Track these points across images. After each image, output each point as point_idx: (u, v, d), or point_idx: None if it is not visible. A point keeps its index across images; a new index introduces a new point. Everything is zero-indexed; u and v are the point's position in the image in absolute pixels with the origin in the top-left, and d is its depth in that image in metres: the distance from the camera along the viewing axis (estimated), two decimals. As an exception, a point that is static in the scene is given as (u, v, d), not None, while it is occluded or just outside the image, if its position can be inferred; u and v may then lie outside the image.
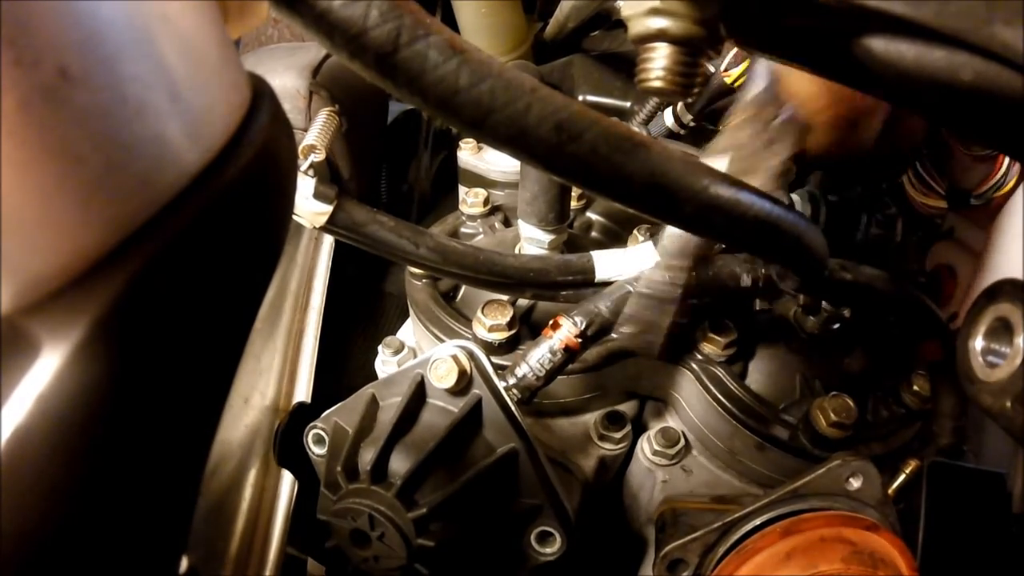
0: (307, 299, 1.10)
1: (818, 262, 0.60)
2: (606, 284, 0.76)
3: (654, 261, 0.75)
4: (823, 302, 0.81)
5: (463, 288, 0.94)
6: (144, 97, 0.25)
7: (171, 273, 0.26)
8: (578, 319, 0.69)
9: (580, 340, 0.69)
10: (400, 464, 0.67)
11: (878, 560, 0.65)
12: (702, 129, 1.20)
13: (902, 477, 0.78)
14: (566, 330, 0.69)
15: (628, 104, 1.30)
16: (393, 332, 1.03)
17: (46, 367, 0.23)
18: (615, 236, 1.03)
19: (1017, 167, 0.99)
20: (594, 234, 1.06)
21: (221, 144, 0.29)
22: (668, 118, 1.17)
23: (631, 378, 0.86)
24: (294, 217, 0.69)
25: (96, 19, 0.23)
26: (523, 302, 0.86)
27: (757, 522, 0.69)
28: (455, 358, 0.67)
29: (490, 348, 0.80)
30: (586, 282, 0.78)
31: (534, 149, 0.39)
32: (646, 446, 0.84)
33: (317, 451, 0.78)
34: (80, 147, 0.23)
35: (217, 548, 0.90)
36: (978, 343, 0.46)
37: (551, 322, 0.71)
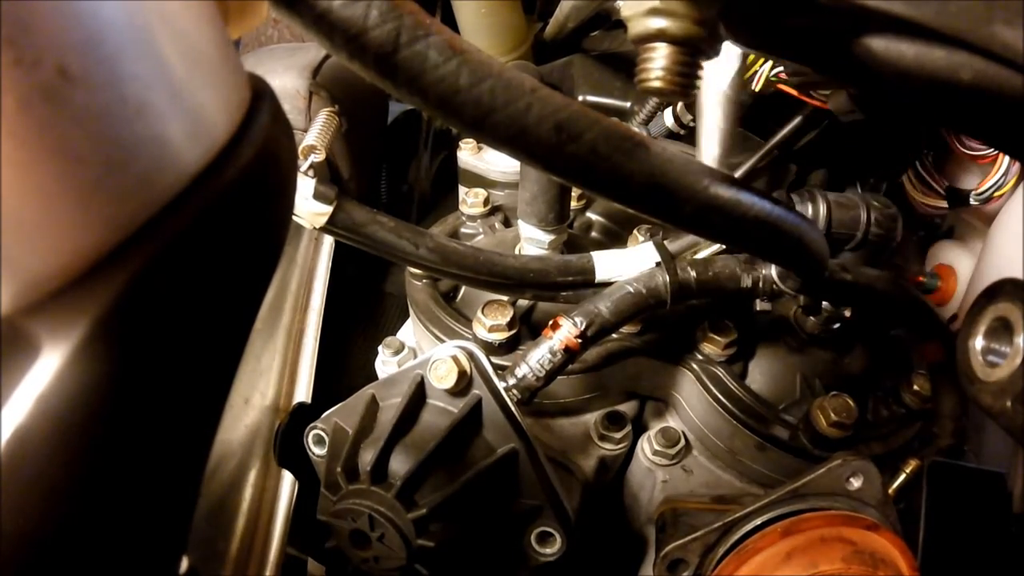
0: (307, 299, 1.10)
1: (818, 262, 0.60)
2: (606, 284, 0.76)
3: (654, 261, 0.75)
4: (823, 302, 0.81)
5: (463, 288, 0.94)
6: (144, 97, 0.25)
7: (171, 273, 0.26)
8: (578, 319, 0.69)
9: (580, 340, 0.69)
10: (400, 465, 0.67)
11: (878, 560, 0.65)
12: (702, 129, 1.20)
13: (902, 477, 0.78)
14: (566, 330, 0.69)
15: (628, 104, 1.30)
16: (393, 332, 1.03)
17: (46, 367, 0.23)
18: (615, 236, 1.03)
19: (1017, 166, 0.99)
20: (594, 234, 1.06)
21: (221, 144, 0.29)
22: (668, 118, 1.17)
23: (631, 378, 0.86)
24: (294, 218, 0.69)
25: (96, 19, 0.23)
26: (523, 302, 0.86)
27: (757, 522, 0.69)
28: (455, 358, 0.67)
29: (490, 348, 0.80)
30: (586, 282, 0.78)
31: (534, 149, 0.39)
32: (646, 446, 0.84)
33: (317, 451, 0.78)
34: (80, 147, 0.23)
35: (217, 548, 0.90)
36: (978, 343, 0.46)
37: (551, 322, 0.71)
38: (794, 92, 1.03)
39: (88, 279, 0.24)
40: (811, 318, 0.83)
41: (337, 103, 1.11)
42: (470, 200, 1.04)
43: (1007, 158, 0.98)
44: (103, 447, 0.25)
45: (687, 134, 1.18)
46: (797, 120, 1.14)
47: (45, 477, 0.23)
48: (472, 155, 1.13)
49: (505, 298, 0.83)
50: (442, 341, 0.84)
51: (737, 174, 1.16)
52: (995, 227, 1.05)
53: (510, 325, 0.80)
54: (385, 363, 0.97)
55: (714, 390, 0.79)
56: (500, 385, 0.68)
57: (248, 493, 0.95)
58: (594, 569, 0.86)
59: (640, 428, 0.88)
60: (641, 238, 0.93)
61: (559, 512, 0.68)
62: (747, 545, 0.68)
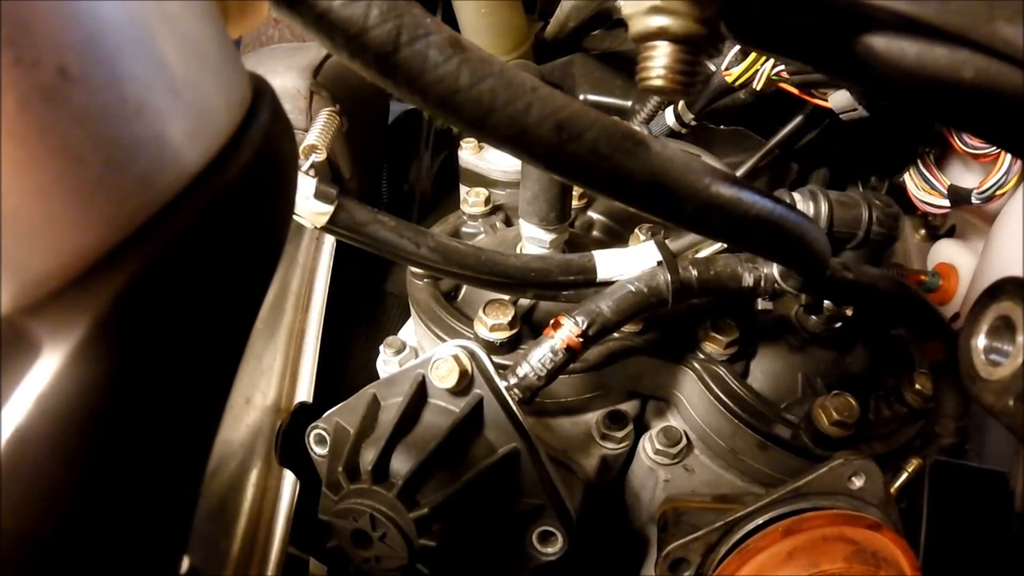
0: (308, 299, 1.10)
1: (820, 262, 0.60)
2: (607, 284, 0.76)
3: (655, 260, 0.75)
4: (825, 301, 0.81)
5: (464, 288, 0.94)
6: (144, 97, 0.25)
7: (171, 273, 0.26)
8: (579, 318, 0.69)
9: (581, 340, 0.69)
10: (401, 464, 0.67)
11: (880, 559, 0.65)
12: (703, 128, 1.20)
13: (904, 476, 0.78)
14: (567, 329, 0.69)
15: (629, 103, 1.30)
16: (394, 332, 1.03)
17: (46, 367, 0.23)
18: (616, 235, 1.03)
19: (1018, 165, 0.99)
20: (595, 233, 1.05)
21: (221, 144, 0.29)
22: (669, 117, 1.17)
23: (633, 377, 0.86)
24: (295, 217, 0.69)
25: (96, 19, 0.23)
26: (524, 302, 0.86)
27: (759, 521, 0.69)
28: (456, 358, 0.67)
29: (491, 348, 0.80)
30: (587, 282, 0.78)
31: (535, 148, 0.39)
32: (648, 445, 0.83)
33: (319, 451, 0.78)
34: (80, 147, 0.23)
35: (219, 548, 0.90)
36: (980, 342, 0.46)
37: (552, 321, 0.70)
38: (795, 91, 1.03)
39: (88, 279, 0.24)
40: (813, 317, 0.83)
41: (338, 103, 1.11)
42: (471, 199, 1.04)
43: (1009, 156, 0.98)
44: (103, 447, 0.25)
45: (688, 133, 1.18)
46: (798, 119, 1.15)
47: (45, 477, 0.23)
48: (473, 154, 1.13)
49: (506, 297, 0.83)
50: (443, 340, 0.84)
51: (739, 173, 1.16)
52: (997, 226, 1.05)
53: (511, 324, 0.80)
54: (386, 363, 0.97)
55: (716, 389, 0.79)
56: (501, 384, 0.68)
57: (249, 493, 0.95)
58: (596, 568, 0.86)
59: (642, 427, 0.88)
60: (642, 237, 0.93)
61: (560, 511, 0.68)
62: (749, 544, 0.68)
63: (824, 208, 0.74)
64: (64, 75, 0.22)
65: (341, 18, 0.33)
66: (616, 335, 0.81)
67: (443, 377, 0.67)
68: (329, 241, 1.14)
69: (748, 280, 0.72)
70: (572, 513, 0.69)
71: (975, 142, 1.01)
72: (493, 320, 0.80)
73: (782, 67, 0.99)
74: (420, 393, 0.70)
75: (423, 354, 0.77)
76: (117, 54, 0.24)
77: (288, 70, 1.13)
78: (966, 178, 1.10)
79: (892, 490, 0.76)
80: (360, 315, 1.28)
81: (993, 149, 0.99)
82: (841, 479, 0.69)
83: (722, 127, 1.24)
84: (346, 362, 1.17)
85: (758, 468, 0.80)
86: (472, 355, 0.68)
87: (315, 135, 0.86)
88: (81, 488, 0.24)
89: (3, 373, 0.23)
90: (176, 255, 0.26)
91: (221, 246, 0.29)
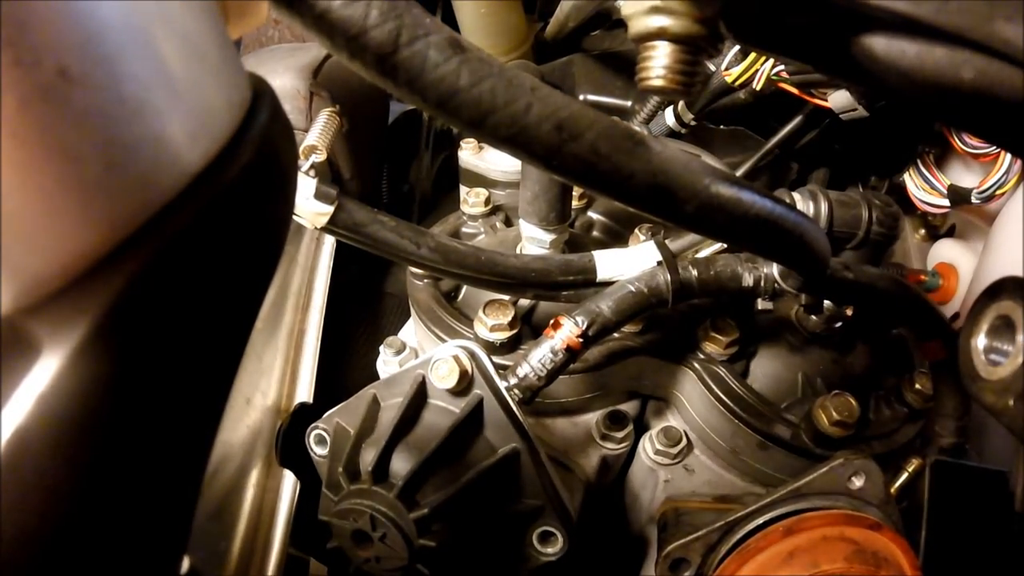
0: (308, 299, 1.10)
1: (820, 261, 0.60)
2: (608, 284, 0.76)
3: (655, 260, 0.75)
4: (825, 301, 0.81)
5: (464, 288, 0.94)
6: (144, 97, 0.25)
7: (171, 273, 0.26)
8: (579, 319, 0.69)
9: (581, 340, 0.69)
10: (402, 464, 0.67)
11: (881, 559, 0.65)
12: (703, 128, 1.20)
13: (904, 476, 0.78)
14: (567, 330, 0.69)
15: (629, 103, 1.30)
16: (394, 332, 1.03)
17: (47, 367, 0.23)
18: (616, 235, 1.03)
19: (1018, 165, 0.99)
20: (595, 233, 1.05)
21: (221, 144, 0.29)
22: (669, 117, 1.17)
23: (633, 378, 0.86)
24: (295, 218, 0.69)
25: (96, 19, 0.23)
26: (524, 302, 0.86)
27: (759, 521, 0.69)
28: (456, 358, 0.67)
29: (491, 348, 0.80)
30: (588, 282, 0.78)
31: (534, 148, 0.39)
32: (648, 446, 0.83)
33: (319, 451, 0.78)
34: (80, 147, 0.23)
35: (219, 548, 0.90)
36: (980, 341, 0.46)
37: (552, 322, 0.70)
38: (795, 91, 1.03)
39: (88, 279, 0.24)
40: (813, 317, 0.83)
41: (338, 103, 1.11)
42: (471, 200, 1.04)
43: (1008, 156, 0.98)
44: (104, 447, 0.25)
45: (688, 133, 1.18)
46: (798, 119, 1.15)
47: (45, 477, 0.23)
48: (473, 155, 1.13)
49: (506, 298, 0.83)
50: (443, 341, 0.84)
51: (739, 173, 1.16)
52: (997, 225, 1.05)
53: (511, 325, 0.80)
54: (386, 363, 0.97)
55: (716, 389, 0.79)
56: (501, 385, 0.68)
57: (250, 493, 0.95)
58: (596, 569, 0.86)
59: (642, 427, 0.88)
60: (642, 237, 0.93)
61: (560, 512, 0.68)
62: (749, 544, 0.68)
63: (824, 208, 0.74)
64: (64, 75, 0.22)
65: (341, 18, 0.33)
66: (616, 335, 0.81)
67: (443, 377, 0.67)
68: (329, 241, 1.14)
69: (748, 280, 0.72)
70: (572, 513, 0.69)
71: (975, 142, 1.02)
72: (493, 320, 0.80)
73: (782, 67, 0.99)
74: (420, 393, 0.70)
75: (423, 354, 0.77)
76: (117, 54, 0.24)
77: (288, 70, 1.13)
78: (966, 178, 1.10)
79: (892, 490, 0.76)
80: (360, 315, 1.28)
81: (993, 149, 0.99)
82: (841, 479, 0.69)
83: (722, 127, 1.24)
84: (346, 362, 1.17)
85: (758, 468, 0.80)
86: (472, 355, 0.68)
87: (315, 135, 0.86)
88: (81, 488, 0.24)
89: (3, 373, 0.23)
90: (176, 256, 0.26)
91: (221, 246, 0.29)
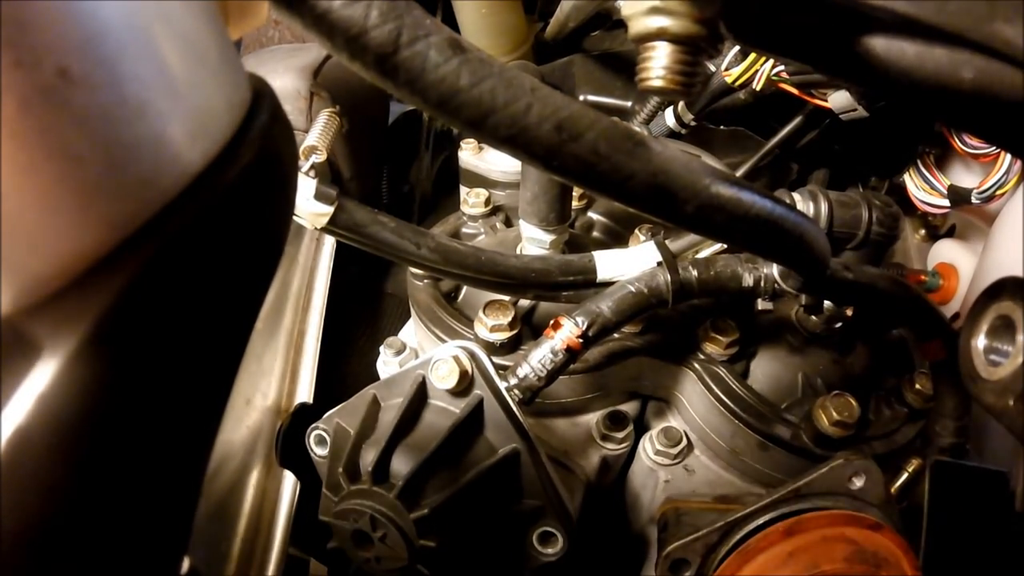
0: (309, 300, 1.10)
1: (820, 262, 0.60)
2: (608, 284, 0.76)
3: (655, 261, 0.75)
4: (825, 301, 0.81)
5: (464, 288, 0.94)
6: (144, 97, 0.25)
7: (171, 274, 0.26)
8: (579, 319, 0.69)
9: (581, 340, 0.69)
10: (402, 465, 0.67)
11: (881, 560, 0.65)
12: (703, 128, 1.20)
13: (904, 476, 0.78)
14: (567, 330, 0.69)
15: (629, 104, 1.30)
16: (395, 333, 1.03)
17: (47, 368, 0.23)
18: (617, 236, 1.03)
19: (1018, 165, 0.98)
20: (595, 234, 1.05)
21: (221, 144, 0.29)
22: (669, 117, 1.17)
23: (633, 378, 0.86)
24: (295, 218, 0.69)
25: (96, 20, 0.23)
26: (524, 302, 0.86)
27: (760, 521, 0.69)
28: (456, 359, 0.67)
29: (491, 348, 0.80)
30: (588, 282, 0.78)
31: (534, 149, 0.39)
32: (648, 446, 0.83)
33: (319, 452, 0.78)
34: (80, 148, 0.23)
35: (219, 549, 0.90)
36: (980, 342, 0.46)
37: (552, 322, 0.71)
38: (795, 91, 1.03)
39: (88, 280, 0.24)
40: (813, 317, 0.83)
41: (338, 104, 1.11)
42: (471, 200, 1.04)
43: (1008, 156, 0.98)
44: (104, 448, 0.25)
45: (688, 133, 1.18)
46: (798, 119, 1.15)
47: (45, 477, 0.23)
48: (473, 155, 1.13)
49: (506, 298, 0.83)
50: (444, 341, 0.84)
51: (738, 173, 1.16)
52: (997, 226, 1.05)
53: (511, 325, 0.80)
54: (387, 363, 0.97)
55: (716, 390, 0.79)
56: (502, 385, 0.68)
57: (250, 494, 0.95)
58: (596, 569, 0.86)
59: (642, 428, 0.88)
60: (642, 237, 0.93)
61: (561, 512, 0.68)
62: (749, 545, 0.68)
63: (824, 208, 0.74)
64: (64, 76, 0.22)
65: (341, 19, 0.33)
66: (616, 336, 0.81)
67: (443, 378, 0.67)
68: (329, 242, 1.14)
69: (748, 280, 0.72)
70: (572, 514, 0.69)
71: (975, 142, 1.01)
72: (493, 321, 0.80)
73: (782, 67, 0.99)
74: (420, 394, 0.70)
75: (423, 355, 0.77)
76: (117, 55, 0.24)
77: (288, 71, 1.13)
78: (966, 178, 1.10)
79: (892, 490, 0.76)
80: (360, 316, 1.28)
81: (993, 149, 0.99)
82: (841, 479, 0.69)
83: (722, 127, 1.24)
84: (346, 363, 1.17)
85: (758, 468, 0.80)
86: (472, 356, 0.68)
87: (315, 136, 0.86)
88: (81, 489, 0.24)
89: (4, 374, 0.23)
90: (176, 256, 0.26)
91: (221, 247, 0.29)
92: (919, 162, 1.14)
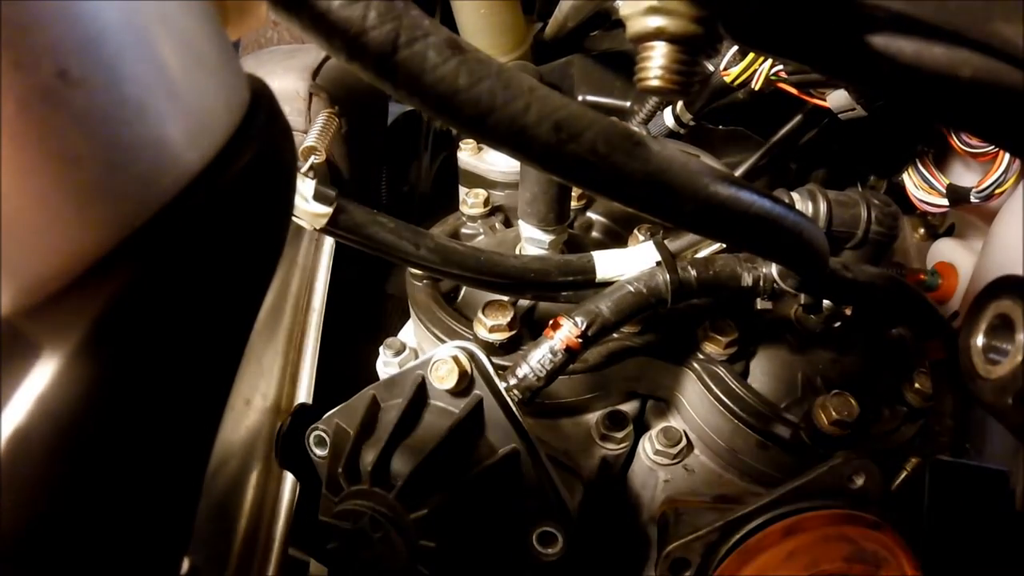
0: (308, 300, 1.10)
1: (819, 261, 0.60)
2: (607, 284, 0.76)
3: (654, 260, 0.75)
4: (824, 301, 0.81)
5: (464, 289, 0.94)
6: (143, 99, 0.25)
7: (170, 275, 0.26)
8: (579, 319, 0.69)
9: (581, 340, 0.69)
10: (401, 465, 0.67)
11: (880, 559, 0.65)
12: (702, 128, 1.20)
13: (904, 475, 0.78)
14: (567, 330, 0.69)
15: (628, 104, 1.30)
16: (394, 333, 1.03)
17: (46, 368, 0.23)
18: (616, 236, 1.03)
19: (1017, 164, 0.99)
20: (595, 234, 1.06)
21: (220, 145, 0.29)
22: (668, 117, 1.17)
23: (632, 378, 0.86)
24: (294, 219, 0.69)
25: (96, 21, 0.23)
26: (524, 303, 0.86)
27: (759, 521, 0.69)
28: (456, 359, 0.67)
29: (491, 349, 0.80)
30: (587, 282, 0.78)
31: (533, 149, 0.39)
32: (648, 446, 0.83)
33: (318, 452, 0.78)
34: (79, 148, 0.23)
35: (219, 549, 0.90)
36: (979, 340, 0.46)
37: (551, 322, 0.71)
38: (794, 91, 1.03)
39: (87, 280, 0.24)
40: (812, 317, 0.83)
41: (337, 104, 1.11)
42: (470, 200, 1.04)
43: (1007, 155, 0.98)
44: (103, 448, 0.25)
45: (687, 133, 1.18)
46: (797, 119, 1.15)
47: (45, 477, 0.23)
48: (472, 155, 1.13)
49: (506, 298, 0.83)
50: (443, 342, 0.84)
51: (737, 173, 1.16)
52: (996, 224, 1.05)
53: (511, 325, 0.80)
54: (386, 364, 0.96)
55: (715, 389, 0.79)
56: (501, 385, 0.68)
57: (250, 494, 0.95)
58: (596, 569, 0.86)
59: (642, 428, 0.88)
60: (641, 237, 0.93)
61: (561, 512, 0.68)
62: (749, 544, 0.68)
63: (823, 207, 0.74)
64: (64, 77, 0.22)
65: (339, 20, 0.33)
66: (615, 335, 0.81)
67: (443, 378, 0.67)
68: (328, 243, 1.14)
69: (747, 280, 0.72)
70: (572, 514, 0.69)
71: (974, 141, 1.02)
72: (492, 321, 0.80)
73: (780, 67, 0.99)
74: (420, 394, 0.70)
75: (423, 355, 0.77)
76: (117, 56, 0.24)
77: (287, 72, 1.13)
78: (965, 177, 1.10)
79: (892, 489, 0.76)
80: (360, 316, 1.28)
81: (992, 148, 0.99)
82: (841, 479, 0.69)
83: (721, 127, 1.24)
84: (346, 363, 1.17)
85: (758, 468, 0.80)
86: (472, 356, 0.68)
87: (314, 137, 0.87)
88: (81, 489, 0.24)
89: (4, 374, 0.23)
90: (175, 257, 0.26)
91: (220, 248, 0.29)
92: (918, 161, 1.14)
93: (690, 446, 0.84)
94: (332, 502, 0.69)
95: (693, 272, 0.72)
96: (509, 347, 0.82)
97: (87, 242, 0.24)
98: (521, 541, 0.69)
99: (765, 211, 0.49)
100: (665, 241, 0.80)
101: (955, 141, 1.04)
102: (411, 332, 1.00)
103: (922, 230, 1.41)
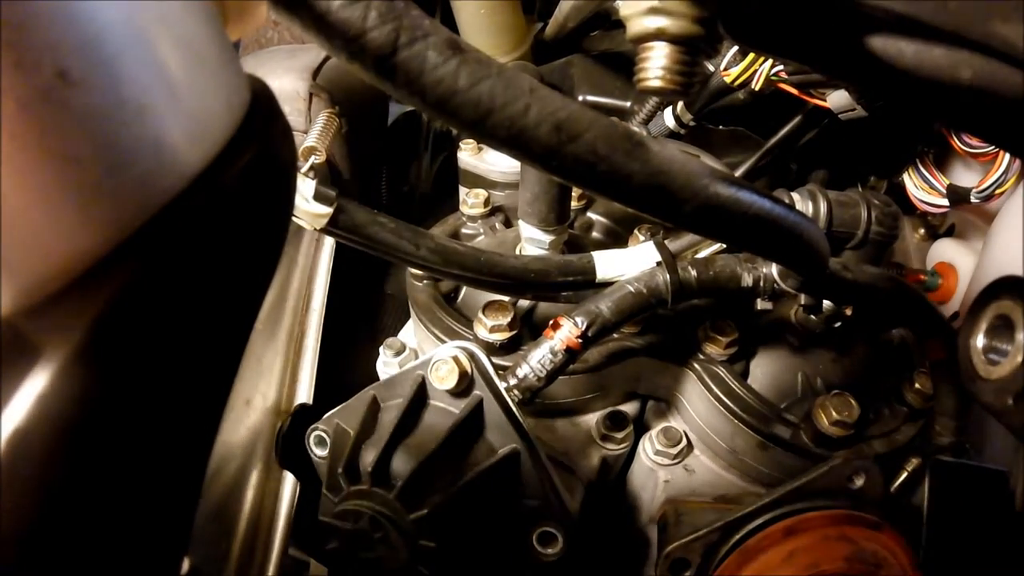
0: (308, 301, 1.10)
1: (819, 261, 0.60)
2: (607, 284, 0.76)
3: (654, 261, 0.75)
4: (824, 301, 0.81)
5: (464, 289, 0.94)
6: (143, 99, 0.25)
7: (170, 275, 0.26)
8: (579, 319, 0.69)
9: (581, 340, 0.69)
10: (402, 465, 0.67)
11: (881, 559, 0.65)
12: (702, 128, 1.20)
13: (904, 475, 0.78)
14: (567, 330, 0.69)
15: (628, 104, 1.30)
16: (394, 333, 1.03)
17: (46, 368, 0.23)
18: (616, 236, 1.03)
19: (1017, 164, 0.99)
20: (595, 234, 1.06)
21: (220, 146, 0.29)
22: (668, 118, 1.17)
23: (632, 378, 0.86)
24: (295, 219, 0.69)
25: (96, 21, 0.23)
26: (524, 303, 0.86)
27: (760, 521, 0.69)
28: (456, 359, 0.67)
29: (491, 349, 0.80)
30: (587, 282, 0.78)
31: (533, 149, 0.39)
32: (648, 446, 0.83)
33: (319, 453, 0.78)
34: (80, 149, 0.23)
35: (219, 549, 0.90)
36: (979, 341, 0.46)
37: (551, 322, 0.71)
38: (794, 91, 1.03)
39: (87, 281, 0.24)
40: (812, 317, 0.83)
41: (337, 104, 1.11)
42: (471, 201, 1.04)
43: (1007, 156, 0.98)
44: (103, 448, 0.25)
45: (687, 133, 1.18)
46: (797, 119, 1.15)
47: (45, 478, 0.23)
48: (472, 156, 1.13)
49: (506, 298, 0.83)
50: (443, 342, 0.84)
51: (737, 173, 1.16)
52: (996, 225, 1.05)
53: (511, 325, 0.80)
54: (386, 364, 0.96)
55: (716, 390, 0.79)
56: (501, 385, 0.68)
57: (250, 494, 0.95)
58: (596, 569, 0.86)
59: (642, 428, 0.88)
60: (642, 238, 0.93)
61: (561, 512, 0.68)
62: (749, 545, 0.68)
63: (823, 208, 0.74)
64: (64, 78, 0.22)
65: (340, 20, 0.33)
66: (615, 336, 0.81)
67: (443, 378, 0.67)
68: (328, 243, 1.14)
69: (747, 280, 0.72)
70: (572, 514, 0.69)
71: (974, 141, 1.02)
72: (493, 321, 0.80)
73: (780, 67, 0.99)
74: (420, 394, 0.70)
75: (423, 355, 0.77)
76: (117, 57, 0.24)
77: (287, 72, 1.13)
78: (965, 177, 1.10)
79: (892, 489, 0.76)
80: (360, 317, 1.28)
81: (992, 148, 0.99)
82: (841, 479, 0.69)
83: (721, 127, 1.24)
84: (346, 363, 1.17)
85: (758, 468, 0.80)
86: (472, 356, 0.68)
87: (314, 137, 0.87)
88: (81, 489, 0.24)
89: (4, 374, 0.23)
90: (175, 257, 0.26)
91: (220, 248, 0.29)
92: (918, 161, 1.14)
93: (690, 446, 0.84)
94: (332, 502, 0.69)
95: (693, 272, 0.72)
96: (509, 347, 0.82)
97: (87, 242, 0.24)
98: (521, 541, 0.69)
99: (765, 211, 0.49)
100: (665, 241, 0.80)
101: (955, 141, 1.04)
102: (411, 332, 1.00)
103: (922, 230, 1.41)
